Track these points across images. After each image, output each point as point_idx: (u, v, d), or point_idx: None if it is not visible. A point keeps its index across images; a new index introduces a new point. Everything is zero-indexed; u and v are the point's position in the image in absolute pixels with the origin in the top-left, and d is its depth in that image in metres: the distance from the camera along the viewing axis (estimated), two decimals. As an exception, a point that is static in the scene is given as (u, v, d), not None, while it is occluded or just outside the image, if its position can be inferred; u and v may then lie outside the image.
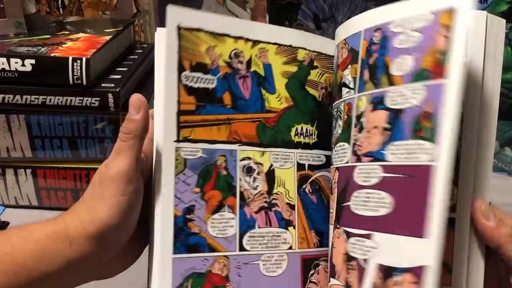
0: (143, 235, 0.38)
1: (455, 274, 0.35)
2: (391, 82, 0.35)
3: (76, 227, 0.34)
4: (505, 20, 0.36)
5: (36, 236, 0.33)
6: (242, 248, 0.39)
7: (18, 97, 0.58)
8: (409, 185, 0.33)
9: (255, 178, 0.40)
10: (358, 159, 0.37)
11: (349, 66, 0.39)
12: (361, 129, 0.37)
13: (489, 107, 0.35)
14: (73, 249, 0.34)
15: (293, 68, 0.42)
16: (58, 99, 0.58)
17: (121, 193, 0.35)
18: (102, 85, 0.59)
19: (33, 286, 0.33)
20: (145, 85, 0.71)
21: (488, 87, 0.35)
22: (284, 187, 0.41)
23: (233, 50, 0.40)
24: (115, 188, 0.35)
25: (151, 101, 0.41)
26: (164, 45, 0.37)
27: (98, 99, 0.58)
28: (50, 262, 0.33)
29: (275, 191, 0.41)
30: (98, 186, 0.35)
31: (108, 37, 0.66)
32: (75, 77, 0.57)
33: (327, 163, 0.43)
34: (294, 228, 0.41)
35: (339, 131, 0.40)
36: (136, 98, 0.37)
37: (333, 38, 0.44)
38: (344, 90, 0.40)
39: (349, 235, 0.37)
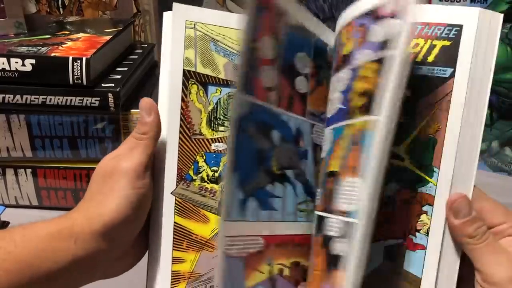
0: (148, 233, 0.39)
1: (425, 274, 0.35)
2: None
3: (82, 224, 0.34)
4: (501, 15, 0.35)
5: (40, 235, 0.33)
6: None
7: (18, 97, 0.58)
8: None
9: None
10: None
11: None
12: None
13: (477, 102, 0.34)
14: (78, 247, 0.34)
15: None
16: (58, 99, 0.58)
17: (131, 187, 0.35)
18: (102, 85, 0.59)
19: (37, 285, 0.32)
20: (145, 85, 0.71)
21: (477, 84, 0.34)
22: None
23: None
24: (126, 181, 0.35)
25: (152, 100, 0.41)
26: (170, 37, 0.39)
27: (98, 99, 0.58)
28: (54, 261, 0.33)
29: None
30: (108, 180, 0.36)
31: (108, 37, 0.66)
32: (75, 77, 0.57)
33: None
34: None
35: None
36: (146, 102, 0.38)
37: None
38: None
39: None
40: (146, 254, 0.40)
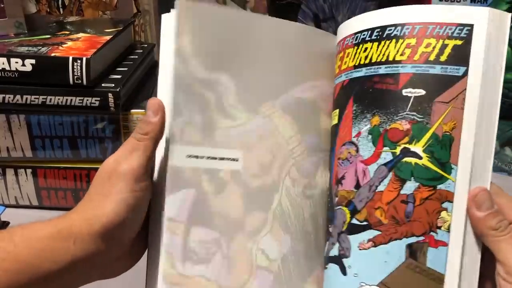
0: (147, 234, 0.39)
1: (449, 265, 0.35)
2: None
3: (80, 225, 0.34)
4: (510, 14, 0.36)
5: (40, 235, 0.33)
6: None
7: (18, 97, 0.58)
8: None
9: None
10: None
11: None
12: None
13: (491, 99, 0.36)
14: (77, 247, 0.34)
15: None
16: (58, 99, 0.58)
17: (129, 190, 0.35)
18: (102, 85, 0.59)
19: (36, 285, 0.33)
20: (145, 85, 0.71)
21: (489, 82, 0.35)
22: None
23: None
24: (124, 184, 0.35)
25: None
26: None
27: (98, 99, 0.58)
28: (53, 261, 0.33)
29: None
30: (107, 182, 0.36)
31: (108, 37, 0.66)
32: (75, 77, 0.57)
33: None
34: None
35: None
36: (155, 101, 0.38)
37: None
38: None
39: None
40: (145, 254, 0.40)
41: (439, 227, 0.35)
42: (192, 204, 0.38)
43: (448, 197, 0.35)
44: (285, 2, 0.79)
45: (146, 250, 0.40)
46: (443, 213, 0.35)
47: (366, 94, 0.38)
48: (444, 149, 0.35)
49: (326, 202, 0.42)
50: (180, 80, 0.38)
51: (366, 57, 0.38)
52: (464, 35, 0.35)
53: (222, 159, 0.39)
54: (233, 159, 0.39)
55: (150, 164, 0.38)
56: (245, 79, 0.40)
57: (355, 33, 0.39)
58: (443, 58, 0.35)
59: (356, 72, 0.39)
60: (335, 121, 0.41)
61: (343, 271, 0.38)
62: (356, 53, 0.39)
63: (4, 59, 0.57)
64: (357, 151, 0.38)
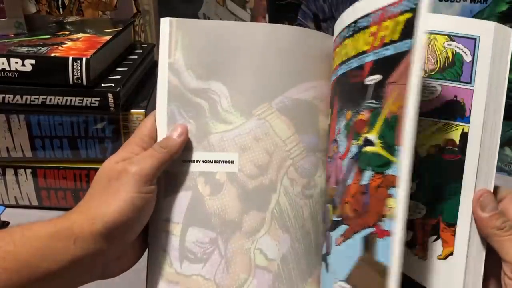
0: (147, 234, 0.39)
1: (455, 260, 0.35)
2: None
3: (81, 225, 0.34)
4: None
5: (40, 235, 0.33)
6: None
7: (18, 97, 0.58)
8: None
9: None
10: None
11: None
12: None
13: (495, 105, 0.36)
14: (77, 247, 0.34)
15: None
16: (58, 99, 0.58)
17: (137, 191, 0.36)
18: (102, 85, 0.59)
19: (36, 285, 0.33)
20: (145, 85, 0.71)
21: (493, 89, 0.36)
22: None
23: None
24: (132, 184, 0.36)
25: (152, 100, 0.41)
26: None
27: (98, 99, 0.58)
28: (53, 261, 0.33)
29: None
30: (114, 181, 0.36)
31: (108, 37, 0.66)
32: (75, 77, 0.57)
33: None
34: None
35: None
36: (181, 126, 0.40)
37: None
38: None
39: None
40: (145, 254, 0.40)
41: (385, 216, 0.32)
42: (188, 205, 0.39)
43: (394, 182, 0.32)
44: (285, 2, 0.79)
45: (146, 250, 0.40)
46: (390, 200, 0.32)
47: (344, 90, 0.38)
48: (392, 131, 0.32)
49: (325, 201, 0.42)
50: (173, 91, 0.40)
51: (346, 54, 0.38)
52: (414, 5, 0.31)
53: (217, 162, 0.40)
54: (229, 162, 0.40)
55: (160, 171, 0.38)
56: (238, 85, 0.41)
57: (340, 32, 0.40)
58: (395, 36, 0.33)
59: (340, 70, 0.39)
60: (329, 121, 0.41)
61: (327, 268, 0.37)
62: (340, 51, 0.39)
63: (4, 59, 0.57)
64: (338, 147, 0.38)
